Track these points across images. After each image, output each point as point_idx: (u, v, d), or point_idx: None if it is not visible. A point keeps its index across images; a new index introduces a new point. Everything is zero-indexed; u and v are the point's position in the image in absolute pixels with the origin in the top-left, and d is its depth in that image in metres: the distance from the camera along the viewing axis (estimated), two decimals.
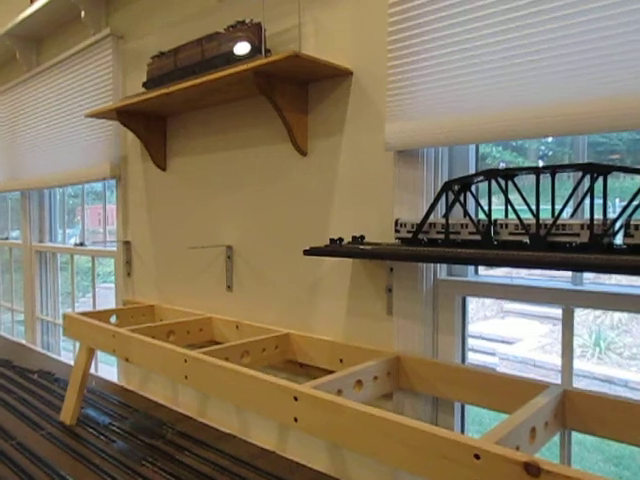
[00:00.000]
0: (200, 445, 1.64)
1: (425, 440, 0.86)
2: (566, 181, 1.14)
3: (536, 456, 0.81)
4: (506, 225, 1.08)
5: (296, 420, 1.06)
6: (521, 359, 6.15)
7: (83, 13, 2.28)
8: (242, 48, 1.57)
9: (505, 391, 1.14)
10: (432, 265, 1.30)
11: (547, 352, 6.30)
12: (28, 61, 2.86)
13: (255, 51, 1.53)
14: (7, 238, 3.59)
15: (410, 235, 1.20)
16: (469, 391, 1.19)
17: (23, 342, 3.14)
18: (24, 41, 2.82)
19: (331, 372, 1.41)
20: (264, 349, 1.48)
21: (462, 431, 1.33)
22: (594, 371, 5.49)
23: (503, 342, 6.52)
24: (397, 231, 1.23)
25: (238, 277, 1.76)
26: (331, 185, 1.47)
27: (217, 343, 1.79)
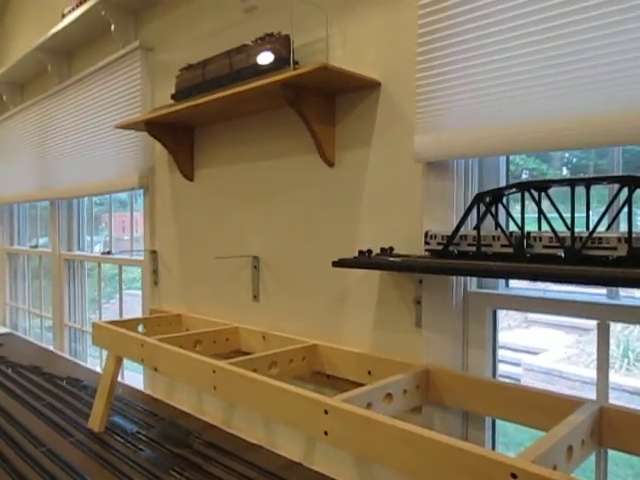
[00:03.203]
0: (227, 455, 1.64)
1: (460, 457, 0.85)
2: (596, 191, 1.11)
3: (573, 476, 0.79)
4: (540, 238, 1.06)
5: (326, 433, 1.05)
6: (546, 370, 6.03)
7: (113, 26, 2.32)
8: (265, 58, 1.58)
9: (538, 407, 1.12)
10: (462, 277, 1.29)
11: (573, 363, 6.18)
12: (59, 74, 2.93)
13: (283, 63, 1.54)
14: (36, 246, 3.66)
15: (440, 247, 1.19)
16: (501, 406, 1.17)
17: (51, 349, 3.19)
18: (55, 54, 2.89)
19: (359, 384, 1.41)
20: (291, 360, 1.48)
21: (493, 447, 1.30)
22: (622, 383, 5.36)
23: (528, 352, 6.41)
24: (427, 243, 1.22)
25: (265, 287, 1.77)
26: (359, 196, 1.47)
27: (243, 353, 1.79)
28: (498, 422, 1.30)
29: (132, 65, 2.30)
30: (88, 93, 2.65)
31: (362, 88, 1.45)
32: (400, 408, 1.22)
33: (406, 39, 1.35)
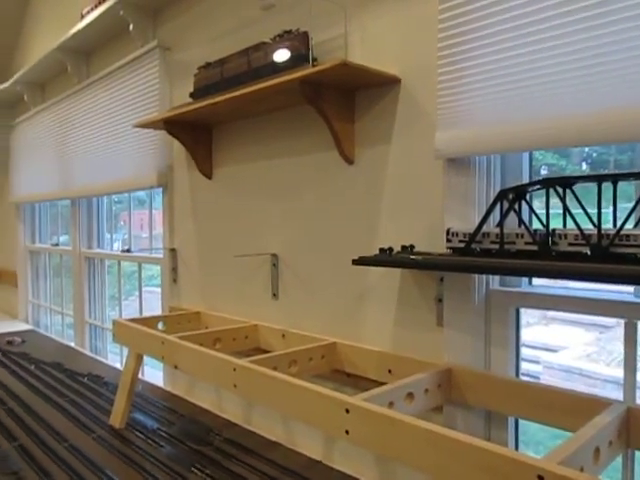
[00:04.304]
0: (248, 453, 1.65)
1: (484, 458, 0.84)
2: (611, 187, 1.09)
3: (600, 478, 0.77)
4: (565, 235, 1.04)
5: (348, 433, 1.05)
6: (566, 368, 5.96)
7: (131, 26, 2.33)
8: (284, 55, 1.57)
9: (563, 407, 1.10)
10: (484, 275, 1.27)
11: (593, 361, 6.09)
12: (78, 73, 2.96)
13: (302, 60, 1.53)
14: (57, 244, 3.71)
15: (463, 245, 1.17)
16: (524, 406, 1.16)
17: (73, 345, 3.23)
18: (75, 54, 2.92)
19: (379, 383, 1.40)
20: (311, 358, 1.47)
21: (516, 447, 1.29)
22: None
23: (547, 350, 6.33)
24: (449, 240, 1.21)
25: (284, 285, 1.77)
26: (379, 193, 1.46)
27: (263, 351, 1.80)
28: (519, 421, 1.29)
29: (150, 64, 2.31)
30: (107, 92, 2.67)
31: (382, 84, 1.44)
32: (421, 407, 1.21)
33: (426, 34, 1.33)
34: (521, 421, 1.26)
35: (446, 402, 1.29)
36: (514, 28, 1.12)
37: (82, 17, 2.63)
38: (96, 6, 2.50)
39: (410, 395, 1.18)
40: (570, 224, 1.05)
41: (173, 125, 1.96)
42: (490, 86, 1.17)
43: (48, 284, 3.95)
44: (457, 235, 1.19)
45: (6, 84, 3.53)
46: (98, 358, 2.90)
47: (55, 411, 2.04)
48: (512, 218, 1.16)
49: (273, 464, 1.57)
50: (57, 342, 3.29)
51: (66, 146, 3.17)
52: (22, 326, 3.81)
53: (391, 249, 1.29)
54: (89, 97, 2.86)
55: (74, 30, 2.64)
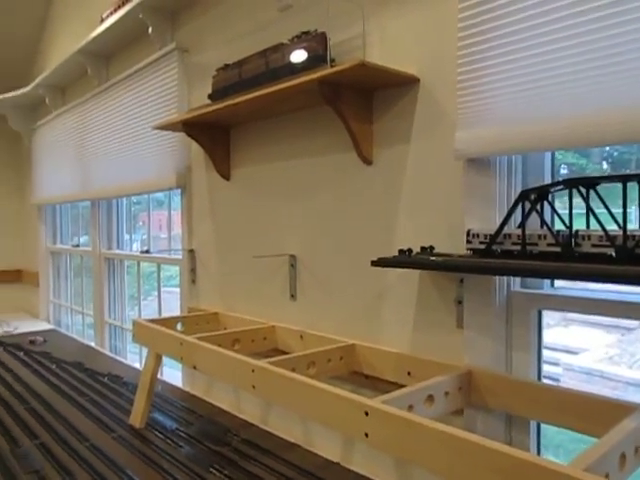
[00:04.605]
0: (265, 454, 1.65)
1: (507, 463, 0.83)
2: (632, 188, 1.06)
3: None
4: (589, 236, 1.02)
5: (367, 435, 1.04)
6: (587, 370, 5.86)
7: (150, 29, 2.35)
8: (301, 56, 1.57)
9: (587, 411, 1.08)
10: (505, 277, 1.25)
11: (615, 363, 5.99)
12: (98, 76, 2.99)
13: (320, 61, 1.52)
14: (78, 245, 3.76)
15: (483, 246, 1.16)
16: (547, 409, 1.14)
17: (93, 345, 3.27)
18: (95, 57, 2.95)
19: (398, 385, 1.39)
20: (329, 360, 1.47)
21: (538, 452, 1.27)
22: None
23: (567, 352, 6.25)
24: (469, 242, 1.19)
25: (302, 286, 1.77)
26: (397, 194, 1.45)
27: (281, 352, 1.80)
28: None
29: (169, 66, 2.33)
30: (126, 95, 2.70)
31: (400, 84, 1.43)
32: (441, 410, 1.19)
33: (446, 34, 1.32)
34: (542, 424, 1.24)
35: (466, 405, 1.28)
36: (534, 26, 1.11)
37: (102, 21, 2.66)
38: (116, 10, 2.53)
39: (430, 398, 1.16)
40: (593, 225, 1.03)
41: (192, 127, 1.98)
42: (511, 85, 1.15)
43: (69, 284, 4.00)
44: (478, 236, 1.18)
45: (28, 88, 3.59)
46: (118, 358, 2.93)
47: (76, 410, 2.06)
48: (533, 219, 1.15)
49: (291, 465, 1.57)
50: (78, 342, 3.33)
51: (86, 148, 3.21)
52: (44, 325, 3.87)
53: (410, 250, 1.27)
54: (109, 100, 2.89)
55: (94, 34, 2.67)
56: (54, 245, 4.11)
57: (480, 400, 1.25)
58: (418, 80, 1.39)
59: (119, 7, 2.49)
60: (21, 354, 2.99)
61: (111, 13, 2.58)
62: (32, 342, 3.26)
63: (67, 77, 3.36)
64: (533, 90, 1.12)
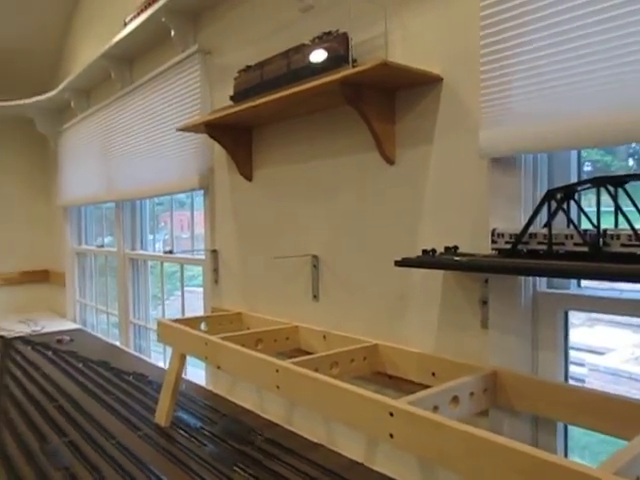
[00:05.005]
0: (289, 453, 1.66)
1: (534, 465, 0.82)
2: None
3: None
4: (617, 236, 1.00)
5: (392, 436, 1.04)
6: (613, 370, 5.75)
7: (173, 32, 2.38)
8: (318, 56, 1.57)
9: (615, 413, 1.06)
10: (531, 277, 1.24)
11: None
12: (122, 79, 3.04)
13: (341, 61, 1.52)
14: (102, 245, 3.82)
15: (509, 246, 1.15)
16: (574, 411, 1.12)
17: (118, 344, 3.32)
18: (119, 61, 3.00)
19: (422, 385, 1.38)
20: (353, 360, 1.47)
21: (565, 454, 1.25)
22: None
23: (592, 352, 6.14)
24: (494, 242, 1.18)
25: (324, 286, 1.77)
26: (420, 194, 1.44)
27: (304, 352, 1.80)
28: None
29: (191, 69, 2.35)
30: (149, 97, 2.74)
31: (423, 84, 1.42)
32: (467, 412, 1.19)
33: (468, 32, 1.31)
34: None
35: (492, 406, 1.26)
36: (560, 23, 1.09)
37: (125, 25, 2.70)
38: (139, 14, 2.56)
39: (455, 399, 1.16)
40: (622, 224, 1.01)
41: (214, 128, 1.99)
42: (536, 82, 1.14)
43: (94, 284, 4.07)
44: (503, 236, 1.17)
45: (54, 92, 3.66)
46: (142, 357, 2.97)
47: (103, 408, 2.10)
48: (559, 218, 1.13)
49: (315, 465, 1.57)
50: (103, 341, 3.39)
51: (110, 150, 3.26)
52: (70, 325, 3.94)
53: (434, 250, 1.27)
54: (132, 102, 2.93)
55: (118, 38, 2.71)
56: (79, 246, 4.19)
57: (506, 401, 1.24)
58: (441, 79, 1.38)
59: (142, 11, 2.52)
60: (49, 353, 3.05)
61: (134, 17, 2.62)
62: (59, 341, 3.32)
63: (91, 81, 3.41)
64: (558, 88, 1.10)
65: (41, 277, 4.62)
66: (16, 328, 3.78)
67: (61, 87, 3.55)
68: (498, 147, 1.20)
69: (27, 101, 3.91)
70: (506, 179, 1.24)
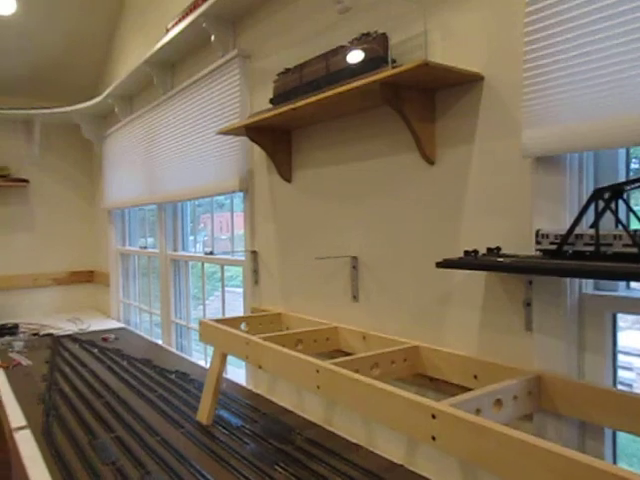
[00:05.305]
0: (329, 454, 1.66)
1: (582, 473, 0.80)
2: None
3: None
4: None
5: (434, 439, 1.03)
6: None
7: (213, 37, 2.42)
8: (355, 57, 1.57)
9: None
10: (577, 279, 1.21)
11: None
12: (164, 85, 3.11)
13: (381, 62, 1.52)
14: (145, 247, 3.92)
15: (554, 247, 1.12)
16: (623, 417, 1.09)
17: (160, 343, 3.40)
18: (161, 67, 3.07)
19: (464, 388, 1.37)
20: (393, 361, 1.47)
21: (614, 461, 1.22)
22: None
23: None
24: (538, 242, 1.16)
25: (364, 287, 1.77)
26: (462, 194, 1.43)
27: (343, 353, 1.81)
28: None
29: (231, 73, 2.39)
30: (190, 102, 2.79)
31: (464, 82, 1.41)
32: (510, 415, 1.17)
33: (511, 29, 1.29)
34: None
35: (536, 410, 1.24)
36: (606, 18, 1.06)
37: (167, 31, 2.77)
38: (180, 20, 2.62)
39: (498, 402, 1.14)
40: None
41: (254, 131, 2.02)
42: (581, 80, 1.11)
43: (137, 284, 4.18)
44: (547, 237, 1.14)
45: (99, 98, 3.78)
46: (184, 356, 3.03)
47: (147, 405, 2.16)
48: (607, 219, 1.10)
49: (355, 466, 1.58)
50: (146, 340, 3.47)
51: (152, 154, 3.34)
52: (114, 324, 4.06)
53: (476, 251, 1.25)
54: (174, 107, 3.00)
55: (160, 44, 2.78)
56: (123, 247, 4.31)
57: (551, 405, 1.21)
58: (482, 77, 1.37)
59: (183, 17, 2.58)
60: (95, 350, 3.15)
61: (176, 23, 2.68)
62: (105, 339, 3.43)
63: (134, 87, 3.51)
64: (607, 84, 1.08)
65: (87, 277, 4.77)
66: (65, 326, 3.93)
67: (106, 93, 3.67)
68: (542, 146, 1.18)
69: (74, 107, 4.05)
70: (550, 179, 1.21)
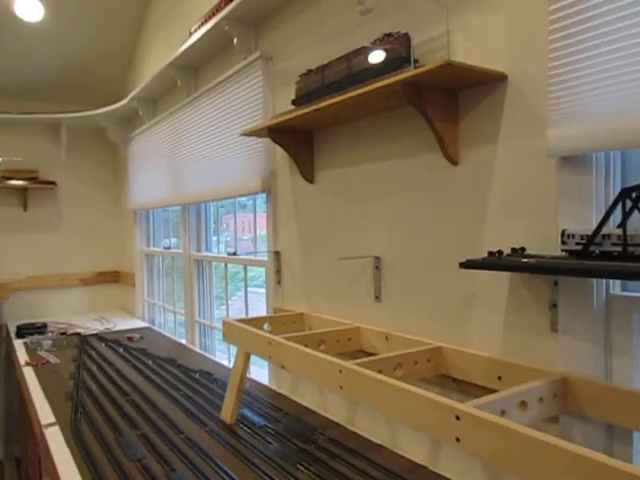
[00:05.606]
0: (351, 453, 1.67)
1: (609, 476, 0.79)
2: None
3: None
4: None
5: (458, 440, 1.03)
6: None
7: (235, 40, 2.45)
8: (376, 57, 1.57)
9: None
10: (604, 279, 1.19)
11: None
12: (187, 87, 3.15)
13: (403, 62, 1.52)
14: (169, 247, 3.97)
15: (580, 247, 1.11)
16: None
17: (184, 342, 3.44)
18: (184, 70, 3.11)
19: (488, 389, 1.36)
20: (416, 362, 1.46)
21: None
22: None
23: None
24: (564, 243, 1.15)
25: (386, 288, 1.77)
26: (485, 194, 1.42)
27: (366, 353, 1.81)
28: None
29: (253, 75, 2.41)
30: (213, 104, 2.82)
31: (487, 82, 1.40)
32: (535, 417, 1.16)
33: (535, 27, 1.27)
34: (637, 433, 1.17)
35: (562, 413, 1.23)
36: (635, 14, 1.05)
37: (190, 35, 2.80)
38: (203, 24, 2.65)
39: (523, 404, 1.13)
40: None
41: (276, 132, 2.03)
42: (608, 78, 1.10)
43: (161, 284, 4.24)
44: (573, 237, 1.13)
45: (124, 101, 3.84)
46: (207, 355, 3.07)
47: (171, 404, 2.19)
48: (634, 218, 1.08)
49: (377, 466, 1.58)
50: (170, 339, 3.52)
51: (176, 156, 3.38)
52: (139, 323, 4.12)
53: (500, 252, 1.24)
54: (197, 109, 3.04)
55: (184, 47, 2.82)
56: (147, 247, 4.37)
57: (577, 408, 1.19)
58: (505, 77, 1.35)
59: (206, 21, 2.61)
60: (121, 349, 3.20)
61: (198, 27, 2.71)
62: (130, 339, 3.48)
63: (158, 89, 3.56)
64: (634, 82, 1.06)
65: (112, 277, 4.86)
66: (91, 326, 4.00)
67: (131, 96, 3.73)
68: (568, 145, 1.17)
69: (100, 111, 4.12)
70: (576, 178, 1.20)
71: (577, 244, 1.12)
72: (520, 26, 1.32)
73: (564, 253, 1.15)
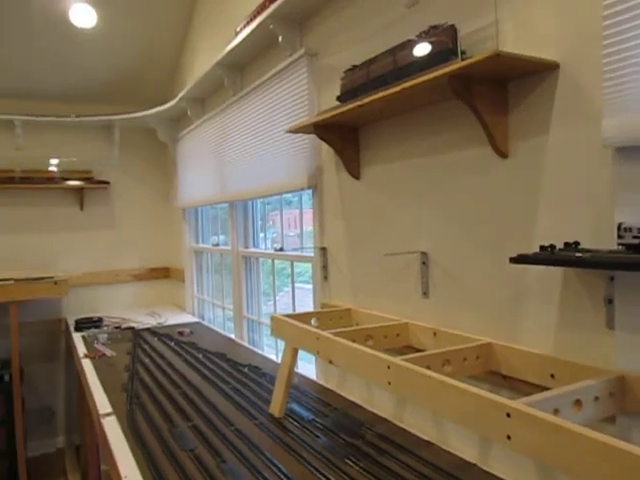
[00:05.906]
0: (399, 449, 1.66)
1: None
2: None
3: None
4: None
5: (509, 438, 1.01)
6: None
7: (280, 38, 2.47)
8: (422, 50, 1.55)
9: None
10: None
11: None
12: (234, 86, 3.20)
13: (450, 54, 1.50)
14: (218, 244, 4.06)
15: (637, 241, 1.07)
16: None
17: (233, 337, 3.51)
18: (231, 69, 3.17)
19: (540, 387, 1.33)
20: (465, 358, 1.44)
21: None
22: None
23: None
24: (620, 236, 1.11)
25: (434, 283, 1.75)
26: (536, 187, 1.38)
27: (414, 349, 1.80)
28: None
29: (299, 72, 2.43)
30: (259, 102, 2.86)
31: (537, 72, 1.36)
32: (591, 416, 1.12)
33: (588, 13, 1.23)
34: None
35: (619, 412, 1.18)
36: None
37: (236, 34, 2.85)
38: (248, 23, 2.69)
39: (578, 402, 1.10)
40: None
41: (322, 128, 2.04)
42: None
43: (210, 280, 4.33)
44: (631, 230, 1.09)
45: (173, 101, 3.94)
46: (256, 350, 3.12)
47: (221, 397, 2.24)
48: None
49: (426, 463, 1.57)
50: (219, 334, 3.60)
51: (224, 154, 3.45)
52: (189, 318, 4.23)
53: (553, 246, 1.21)
54: (243, 107, 3.08)
55: (230, 46, 2.86)
56: (196, 244, 4.48)
57: (636, 407, 1.15)
58: (557, 65, 1.31)
59: (251, 20, 2.64)
60: (172, 343, 3.30)
61: (244, 26, 2.75)
62: (180, 333, 3.58)
63: (206, 89, 3.63)
64: None
65: (163, 273, 5.00)
66: (144, 320, 4.14)
67: (180, 96, 3.82)
68: (626, 135, 1.12)
69: (150, 111, 4.25)
70: (634, 169, 1.15)
71: (634, 237, 1.08)
72: (572, 12, 1.27)
73: (620, 247, 1.11)
